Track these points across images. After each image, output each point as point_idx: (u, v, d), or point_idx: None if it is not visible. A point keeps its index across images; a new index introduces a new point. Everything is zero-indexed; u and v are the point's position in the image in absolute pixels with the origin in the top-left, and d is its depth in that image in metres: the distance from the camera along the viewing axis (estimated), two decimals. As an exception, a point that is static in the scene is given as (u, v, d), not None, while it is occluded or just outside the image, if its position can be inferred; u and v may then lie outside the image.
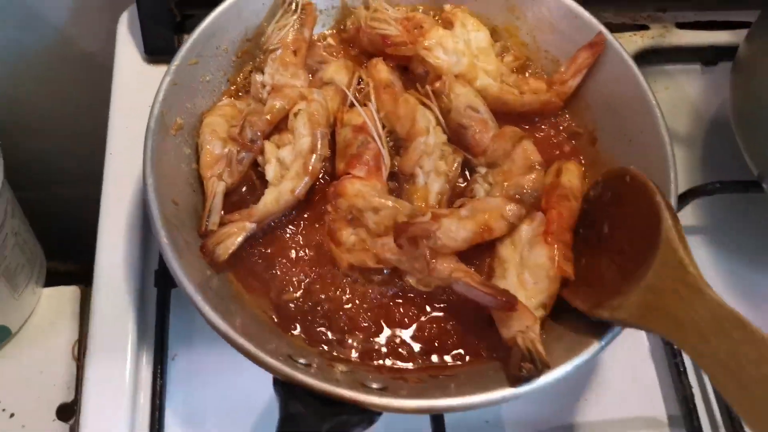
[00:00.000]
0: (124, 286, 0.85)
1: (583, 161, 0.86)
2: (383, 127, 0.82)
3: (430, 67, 0.85)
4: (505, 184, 0.77)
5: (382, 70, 0.85)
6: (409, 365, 0.72)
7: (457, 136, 0.83)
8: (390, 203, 0.74)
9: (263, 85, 0.82)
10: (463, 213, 0.74)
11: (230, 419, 0.81)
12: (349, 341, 0.72)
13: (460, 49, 0.85)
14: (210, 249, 0.72)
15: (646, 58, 1.07)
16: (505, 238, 0.74)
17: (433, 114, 0.82)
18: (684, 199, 0.90)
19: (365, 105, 0.83)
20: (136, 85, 0.96)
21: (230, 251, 0.72)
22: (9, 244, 1.18)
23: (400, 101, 0.81)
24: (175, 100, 0.77)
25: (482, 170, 0.80)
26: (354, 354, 0.71)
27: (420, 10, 0.92)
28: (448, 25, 0.88)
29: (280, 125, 0.81)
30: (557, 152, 0.87)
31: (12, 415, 1.24)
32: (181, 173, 0.77)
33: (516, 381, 0.64)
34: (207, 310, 0.64)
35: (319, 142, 0.77)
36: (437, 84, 0.84)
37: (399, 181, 0.80)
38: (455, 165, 0.80)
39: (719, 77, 1.07)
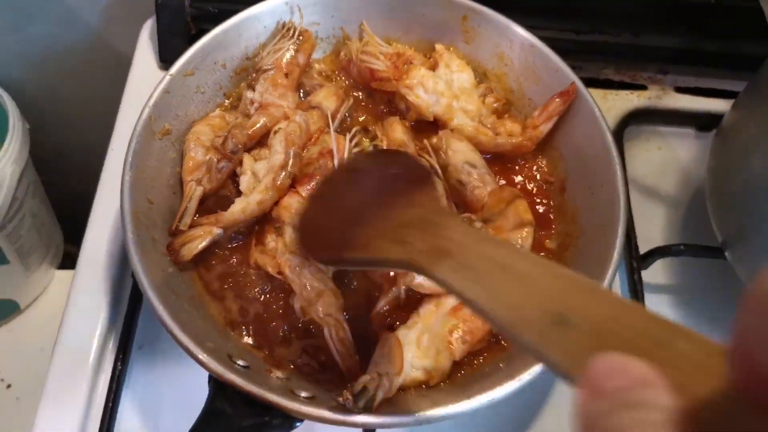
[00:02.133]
0: (103, 274, 0.90)
1: (552, 205, 0.89)
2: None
3: (410, 105, 0.89)
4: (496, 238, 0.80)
5: (397, 129, 0.88)
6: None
7: (455, 191, 0.86)
8: None
9: (252, 102, 0.88)
10: None
11: (183, 411, 0.83)
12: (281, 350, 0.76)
13: (440, 89, 0.89)
14: (176, 248, 0.77)
15: (640, 117, 1.08)
16: (433, 297, 0.76)
17: (442, 185, 0.84)
18: (649, 257, 0.92)
19: (343, 135, 0.87)
20: (147, 89, 1.02)
21: (194, 253, 0.77)
22: (26, 224, 1.26)
23: None
24: (165, 107, 0.83)
25: (477, 224, 0.82)
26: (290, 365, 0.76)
27: (413, 49, 0.97)
28: (435, 65, 0.92)
29: (263, 140, 0.87)
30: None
31: (9, 386, 1.32)
32: (162, 175, 0.83)
33: (334, 400, 0.65)
34: (156, 303, 0.69)
35: (291, 160, 0.81)
36: (434, 140, 0.89)
37: None
38: None
39: (712, 143, 1.08)
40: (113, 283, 0.90)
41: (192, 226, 0.80)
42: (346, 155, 0.84)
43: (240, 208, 0.79)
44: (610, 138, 0.82)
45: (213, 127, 0.86)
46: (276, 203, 0.80)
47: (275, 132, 0.83)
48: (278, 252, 0.77)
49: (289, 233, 0.78)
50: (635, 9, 1.03)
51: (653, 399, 0.24)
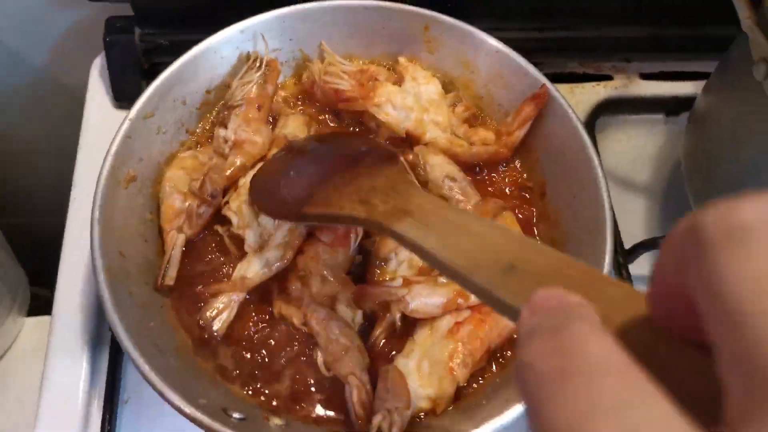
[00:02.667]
0: (79, 328, 0.87)
1: (533, 211, 0.88)
2: None
3: (380, 123, 0.87)
4: None
5: None
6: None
7: None
8: (334, 281, 0.76)
9: (225, 140, 0.85)
10: (441, 280, 0.74)
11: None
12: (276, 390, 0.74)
13: (409, 104, 0.87)
14: (208, 323, 0.73)
15: (609, 108, 1.08)
16: (427, 321, 0.74)
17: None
18: (633, 252, 0.92)
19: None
20: (104, 130, 0.99)
21: (227, 324, 0.74)
22: (-11, 276, 1.21)
23: None
24: (128, 153, 0.79)
25: None
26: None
27: (376, 64, 0.95)
28: (400, 78, 0.90)
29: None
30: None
31: (-13, 440, 1.26)
32: (132, 224, 0.79)
33: None
34: (142, 363, 0.66)
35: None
36: (410, 156, 0.86)
37: (366, 257, 0.81)
38: None
39: (682, 127, 1.08)
40: (91, 338, 0.86)
41: (212, 294, 0.75)
42: None
43: (260, 270, 0.75)
44: (587, 139, 0.81)
45: (187, 170, 0.83)
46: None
47: None
48: (304, 302, 0.75)
49: (316, 283, 0.75)
50: (596, 2, 1.01)
51: (586, 313, 0.27)
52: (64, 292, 0.89)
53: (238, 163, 0.83)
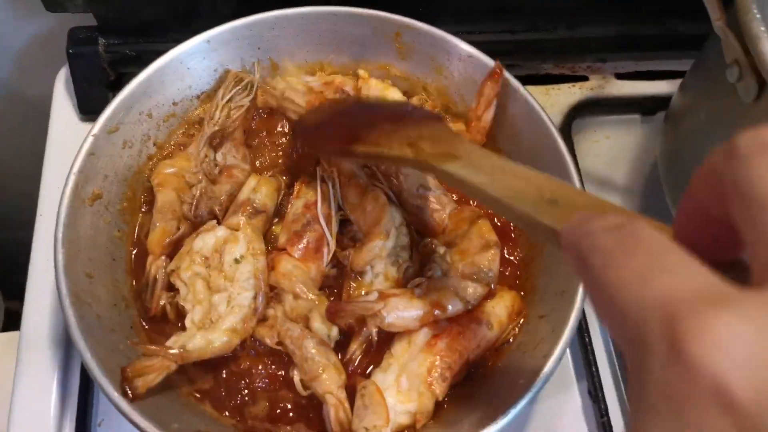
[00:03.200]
0: (48, 351, 0.84)
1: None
2: (339, 208, 0.81)
3: None
4: (461, 263, 0.77)
5: (344, 161, 0.84)
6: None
7: (414, 218, 0.83)
8: (310, 296, 0.74)
9: (216, 165, 0.83)
10: (417, 292, 0.73)
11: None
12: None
13: None
14: (130, 378, 0.67)
15: (585, 109, 1.07)
16: (404, 334, 0.73)
17: (400, 213, 0.81)
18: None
19: (324, 183, 0.83)
20: (70, 144, 0.95)
21: (149, 387, 0.67)
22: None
23: (370, 197, 0.79)
24: (92, 171, 0.77)
25: (441, 250, 0.79)
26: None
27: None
28: (360, 92, 0.89)
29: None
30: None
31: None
32: (100, 244, 0.77)
33: None
34: (110, 391, 0.64)
35: (261, 306, 0.75)
36: (383, 166, 0.84)
37: (341, 270, 0.80)
38: (405, 272, 0.79)
39: (658, 127, 1.07)
40: (61, 359, 0.84)
41: (148, 355, 0.69)
42: (332, 204, 0.80)
43: (201, 348, 0.70)
44: (561, 143, 0.80)
45: (178, 190, 0.80)
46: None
47: (239, 258, 0.76)
48: (278, 321, 0.73)
49: (288, 301, 0.74)
50: (568, 2, 1.00)
51: (640, 217, 0.36)
52: (32, 311, 0.87)
53: (228, 191, 0.82)
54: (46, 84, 1.04)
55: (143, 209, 0.84)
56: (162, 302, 0.75)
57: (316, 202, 0.80)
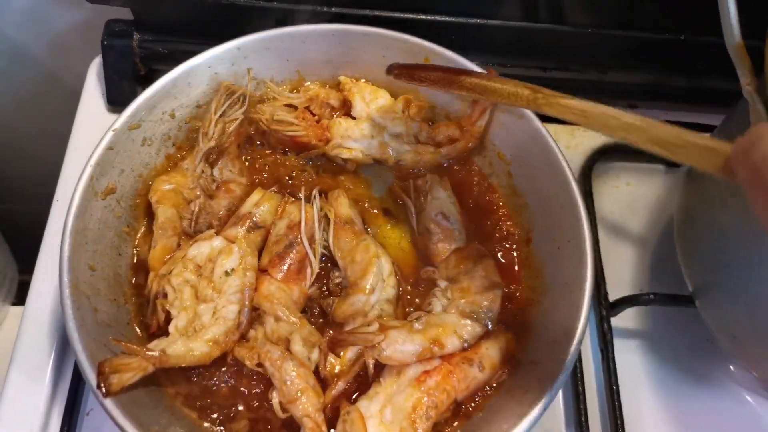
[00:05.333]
0: (47, 334, 0.86)
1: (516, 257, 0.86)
2: (322, 222, 0.82)
3: (346, 159, 0.86)
4: (462, 301, 0.77)
5: (343, 203, 0.84)
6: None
7: (422, 239, 0.84)
8: (292, 319, 0.74)
9: (213, 180, 0.84)
10: (417, 326, 0.73)
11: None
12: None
13: (367, 132, 0.86)
14: (105, 374, 0.67)
15: (609, 153, 1.06)
16: (395, 366, 0.73)
17: (390, 262, 0.80)
18: (619, 305, 0.90)
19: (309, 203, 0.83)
20: (95, 133, 0.97)
21: (123, 386, 0.67)
22: (-26, 266, 1.21)
23: (360, 246, 0.79)
24: (108, 165, 0.78)
25: (443, 284, 0.79)
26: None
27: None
28: (347, 103, 0.88)
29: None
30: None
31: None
32: (107, 237, 0.78)
33: None
34: (92, 381, 0.65)
35: (245, 321, 0.75)
36: (419, 181, 0.86)
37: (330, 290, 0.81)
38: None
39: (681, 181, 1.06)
40: (59, 344, 0.85)
41: (127, 353, 0.69)
42: (316, 224, 0.80)
43: (181, 354, 0.70)
44: (577, 194, 0.79)
45: (177, 207, 0.81)
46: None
47: (230, 271, 0.76)
48: (258, 342, 0.73)
49: (270, 323, 0.74)
50: (601, 47, 0.99)
51: None
52: (38, 294, 0.89)
53: (226, 206, 0.83)
54: (81, 70, 1.06)
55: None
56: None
57: (299, 223, 0.80)
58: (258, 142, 0.90)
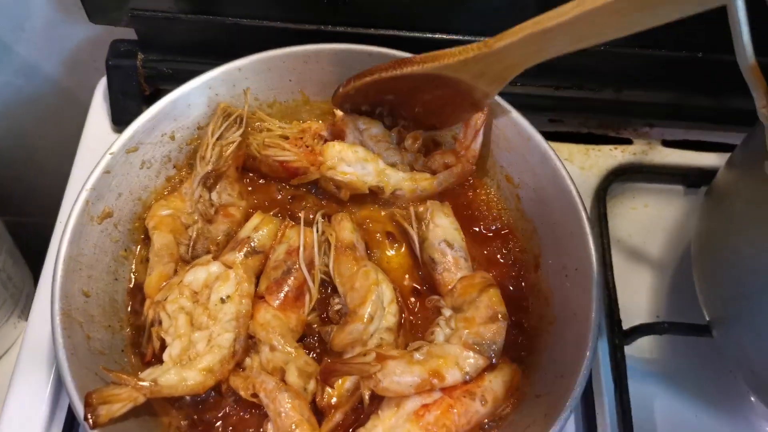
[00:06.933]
0: (47, 358, 0.84)
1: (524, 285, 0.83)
2: (323, 247, 0.80)
3: (340, 184, 0.84)
4: (466, 331, 0.74)
5: (346, 228, 0.82)
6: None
7: (426, 269, 0.81)
8: (288, 349, 0.72)
9: (212, 204, 0.83)
10: (417, 356, 0.71)
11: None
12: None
13: (361, 156, 0.83)
14: (93, 405, 0.65)
15: (625, 173, 1.02)
16: (393, 399, 0.70)
17: (391, 289, 0.78)
18: (633, 333, 0.86)
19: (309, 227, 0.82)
20: (100, 152, 0.97)
21: (111, 417, 0.66)
22: (-10, 282, 1.21)
23: (360, 272, 0.77)
24: (105, 189, 0.78)
25: (447, 313, 0.77)
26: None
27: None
28: (341, 133, 0.86)
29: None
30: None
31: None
32: (103, 262, 0.77)
33: None
34: (80, 412, 0.64)
35: (240, 349, 0.73)
36: (420, 208, 0.83)
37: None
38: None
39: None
40: (57, 371, 0.84)
41: (117, 383, 0.68)
42: (315, 250, 0.78)
43: (174, 384, 0.69)
44: (585, 220, 0.76)
45: (174, 232, 0.80)
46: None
47: (226, 299, 0.74)
48: (254, 372, 0.71)
49: (265, 352, 0.72)
50: (616, 65, 0.96)
51: None
52: (39, 314, 0.87)
53: (225, 231, 0.82)
54: (90, 87, 1.06)
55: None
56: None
57: (298, 249, 0.78)
58: (250, 174, 0.89)
